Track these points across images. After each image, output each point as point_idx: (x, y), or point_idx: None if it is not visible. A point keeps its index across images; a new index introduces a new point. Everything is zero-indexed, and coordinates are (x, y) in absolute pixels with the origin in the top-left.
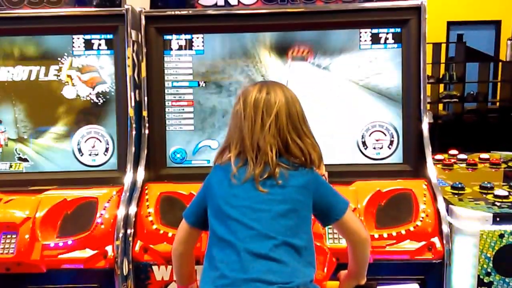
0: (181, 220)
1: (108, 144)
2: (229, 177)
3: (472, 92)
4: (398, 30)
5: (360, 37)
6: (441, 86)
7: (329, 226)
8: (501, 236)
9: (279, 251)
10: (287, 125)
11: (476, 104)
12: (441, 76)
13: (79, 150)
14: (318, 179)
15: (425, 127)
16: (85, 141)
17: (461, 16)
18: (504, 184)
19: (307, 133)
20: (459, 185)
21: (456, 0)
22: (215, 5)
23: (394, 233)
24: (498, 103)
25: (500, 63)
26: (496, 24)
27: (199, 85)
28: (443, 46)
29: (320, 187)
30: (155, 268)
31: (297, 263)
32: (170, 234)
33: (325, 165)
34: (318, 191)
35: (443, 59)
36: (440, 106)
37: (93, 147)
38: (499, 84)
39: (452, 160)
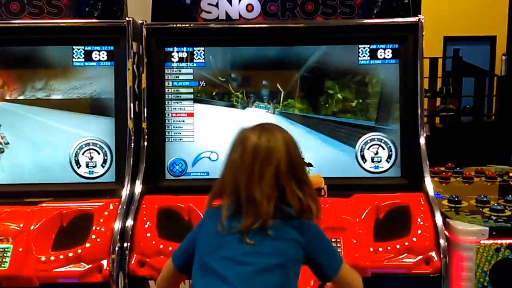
0: (179, 234)
1: (106, 156)
2: (217, 227)
3: (468, 106)
4: (396, 46)
5: (359, 52)
6: (438, 99)
7: None
8: (497, 250)
9: None
10: (287, 174)
11: (472, 117)
12: (438, 90)
13: (77, 161)
14: (314, 232)
15: (422, 142)
16: (83, 153)
17: (457, 31)
18: (500, 198)
19: (307, 182)
20: (456, 199)
21: (453, 16)
22: (217, 19)
23: (391, 247)
24: (493, 117)
25: (496, 78)
26: (491, 40)
27: (199, 97)
28: (440, 60)
29: (314, 242)
30: (151, 282)
31: None
32: (168, 248)
33: (324, 178)
34: (312, 246)
35: (440, 74)
36: (437, 119)
37: (91, 158)
38: (494, 98)
39: (449, 174)
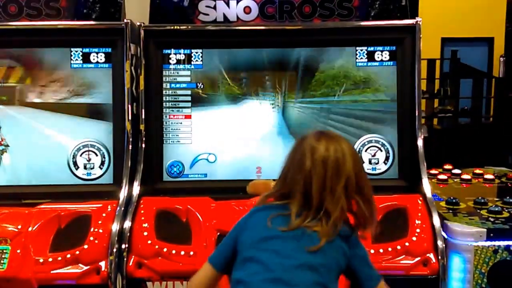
0: (177, 236)
1: (104, 158)
2: (266, 220)
3: (466, 108)
4: (393, 48)
5: (357, 54)
6: (436, 101)
7: None
8: (495, 251)
9: None
10: (355, 189)
11: (470, 119)
12: (435, 91)
13: (74, 163)
14: (360, 246)
15: (420, 143)
16: (81, 155)
17: (455, 33)
18: (498, 199)
19: (370, 196)
20: (454, 200)
21: (451, 17)
22: (215, 21)
23: (390, 249)
24: (491, 119)
25: (494, 79)
26: (489, 41)
27: (196, 99)
28: (438, 62)
29: (359, 255)
30: (149, 284)
31: None
32: (165, 250)
33: None
34: (357, 259)
35: (437, 75)
36: (435, 120)
37: (89, 160)
38: (492, 99)
39: (447, 175)
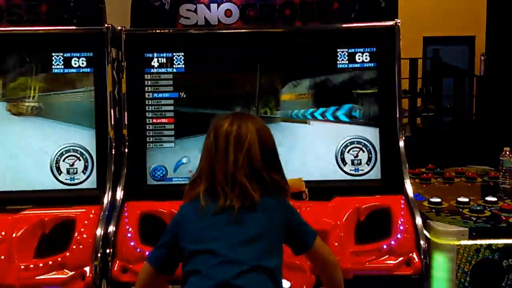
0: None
1: (87, 162)
2: (198, 212)
3: (448, 106)
4: (374, 49)
5: (337, 56)
6: (419, 100)
7: None
8: (478, 250)
9: (246, 278)
10: (260, 160)
11: (452, 118)
12: (418, 91)
13: (57, 168)
14: (291, 208)
15: (401, 144)
16: (64, 160)
17: (437, 32)
18: (480, 198)
19: (279, 167)
20: (436, 200)
21: (432, 16)
22: (196, 25)
23: (373, 249)
24: (473, 117)
25: (475, 78)
26: (470, 40)
27: (179, 102)
28: (420, 61)
29: (293, 216)
30: None
31: None
32: None
33: (305, 181)
34: (292, 220)
35: (420, 74)
36: (418, 120)
37: (72, 165)
38: (474, 98)
39: (429, 175)
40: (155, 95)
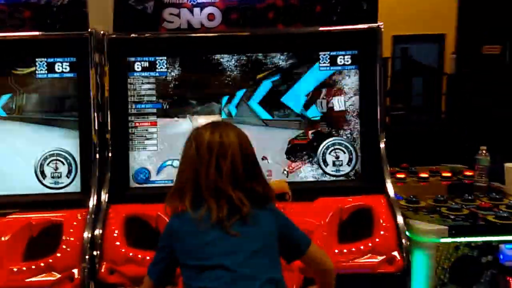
0: (146, 241)
1: (71, 166)
2: (192, 225)
3: (418, 105)
4: (355, 52)
5: (319, 59)
6: (388, 99)
7: None
8: (457, 248)
9: None
10: (243, 168)
11: (423, 116)
12: (387, 90)
13: (42, 172)
14: (283, 215)
15: (382, 145)
16: (48, 164)
17: (406, 30)
18: (454, 196)
19: (261, 174)
20: (414, 199)
21: (401, 15)
22: (179, 28)
23: (356, 248)
24: (443, 115)
25: (445, 77)
26: (440, 38)
27: (162, 106)
28: (389, 60)
29: (286, 223)
30: None
31: None
32: (136, 255)
33: (288, 183)
34: (285, 226)
35: (389, 73)
36: (387, 119)
37: (56, 169)
38: (443, 96)
39: (405, 174)
40: (138, 99)
